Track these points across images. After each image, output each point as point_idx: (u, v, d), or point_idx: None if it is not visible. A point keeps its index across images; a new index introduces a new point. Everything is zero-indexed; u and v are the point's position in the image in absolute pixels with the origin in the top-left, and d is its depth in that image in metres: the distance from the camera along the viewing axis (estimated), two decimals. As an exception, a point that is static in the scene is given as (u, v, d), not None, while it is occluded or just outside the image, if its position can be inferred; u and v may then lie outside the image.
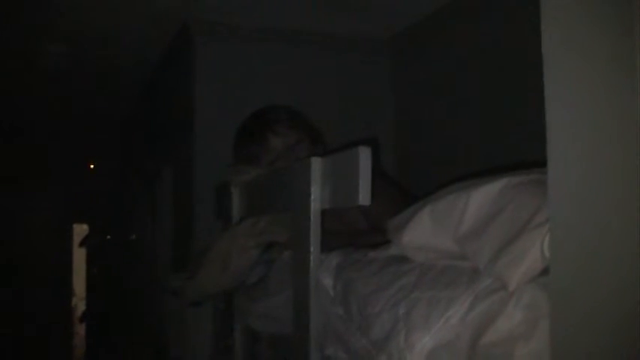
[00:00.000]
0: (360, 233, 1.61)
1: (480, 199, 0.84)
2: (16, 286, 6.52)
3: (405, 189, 2.00)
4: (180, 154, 2.89)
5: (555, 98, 0.66)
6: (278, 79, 2.61)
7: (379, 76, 2.84)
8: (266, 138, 1.75)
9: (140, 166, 4.23)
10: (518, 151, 1.91)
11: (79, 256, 7.85)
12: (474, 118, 2.32)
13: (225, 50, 2.61)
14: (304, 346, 1.18)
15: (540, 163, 0.70)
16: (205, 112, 2.57)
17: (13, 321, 5.97)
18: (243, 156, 1.81)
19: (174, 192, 3.10)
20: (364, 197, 1.03)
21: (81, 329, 7.45)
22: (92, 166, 6.71)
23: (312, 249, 1.19)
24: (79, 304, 7.95)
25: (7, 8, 2.48)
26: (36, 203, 7.18)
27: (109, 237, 6.14)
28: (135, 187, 4.31)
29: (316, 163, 1.18)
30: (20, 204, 7.00)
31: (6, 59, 3.20)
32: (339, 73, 2.75)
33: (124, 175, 5.21)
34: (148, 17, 2.59)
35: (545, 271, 0.70)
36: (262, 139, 1.76)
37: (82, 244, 7.59)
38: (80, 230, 7.93)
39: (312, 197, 1.17)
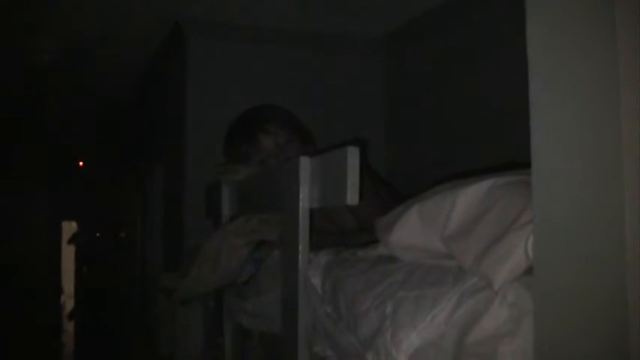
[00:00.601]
0: (349, 232, 1.62)
1: (466, 199, 0.85)
2: (6, 285, 6.50)
3: (394, 188, 2.01)
4: (171, 153, 2.88)
5: (539, 99, 0.67)
6: (271, 78, 2.61)
7: (373, 75, 2.83)
8: (257, 137, 1.76)
9: (132, 163, 4.22)
10: (515, 151, 1.90)
11: (68, 253, 7.81)
12: (468, 117, 2.32)
13: (217, 49, 2.61)
14: (293, 343, 1.19)
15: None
16: (197, 110, 2.57)
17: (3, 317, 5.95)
18: (234, 155, 1.81)
19: (165, 190, 3.09)
20: (352, 197, 1.05)
21: (70, 327, 7.42)
22: (82, 164, 6.68)
23: (300, 248, 1.20)
24: (68, 302, 7.92)
25: (1, 6, 2.47)
26: (25, 200, 7.14)
27: (98, 235, 6.11)
28: (126, 185, 4.30)
29: (305, 163, 1.19)
30: (10, 201, 6.96)
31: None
32: (332, 71, 2.75)
33: (114, 173, 5.19)
34: (141, 16, 2.59)
35: (529, 270, 0.71)
36: (253, 139, 1.76)
37: (70, 241, 7.55)
38: (69, 228, 7.89)
39: (301, 196, 1.19)
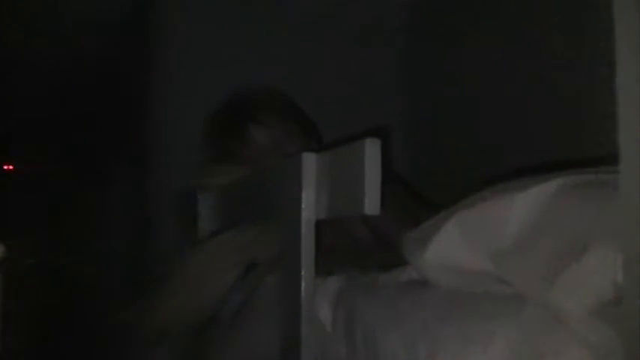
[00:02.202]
0: (365, 250, 1.61)
1: (525, 205, 0.83)
2: None
3: (420, 193, 2.01)
4: (134, 151, 2.89)
5: (628, 94, 0.64)
6: (272, 64, 2.63)
7: (389, 64, 2.87)
8: (247, 130, 1.76)
9: (81, 167, 4.25)
10: (545, 148, 1.97)
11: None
12: (497, 111, 2.36)
13: (204, 27, 2.62)
14: (295, 395, 1.17)
15: (574, 163, 0.68)
16: (169, 97, 2.56)
17: None
18: (218, 153, 1.81)
19: (124, 199, 3.10)
20: (371, 205, 1.02)
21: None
22: (12, 167, 6.65)
23: (303, 271, 1.18)
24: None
25: None
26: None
27: (32, 262, 6.10)
28: (72, 195, 4.33)
29: (309, 161, 1.18)
30: None
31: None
32: (345, 59, 2.77)
33: (56, 180, 5.22)
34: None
35: (615, 301, 0.69)
36: (240, 131, 1.76)
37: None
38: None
39: (304, 205, 1.18)
